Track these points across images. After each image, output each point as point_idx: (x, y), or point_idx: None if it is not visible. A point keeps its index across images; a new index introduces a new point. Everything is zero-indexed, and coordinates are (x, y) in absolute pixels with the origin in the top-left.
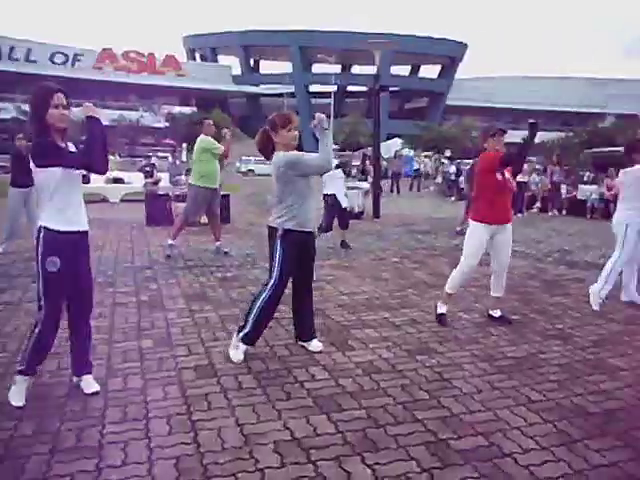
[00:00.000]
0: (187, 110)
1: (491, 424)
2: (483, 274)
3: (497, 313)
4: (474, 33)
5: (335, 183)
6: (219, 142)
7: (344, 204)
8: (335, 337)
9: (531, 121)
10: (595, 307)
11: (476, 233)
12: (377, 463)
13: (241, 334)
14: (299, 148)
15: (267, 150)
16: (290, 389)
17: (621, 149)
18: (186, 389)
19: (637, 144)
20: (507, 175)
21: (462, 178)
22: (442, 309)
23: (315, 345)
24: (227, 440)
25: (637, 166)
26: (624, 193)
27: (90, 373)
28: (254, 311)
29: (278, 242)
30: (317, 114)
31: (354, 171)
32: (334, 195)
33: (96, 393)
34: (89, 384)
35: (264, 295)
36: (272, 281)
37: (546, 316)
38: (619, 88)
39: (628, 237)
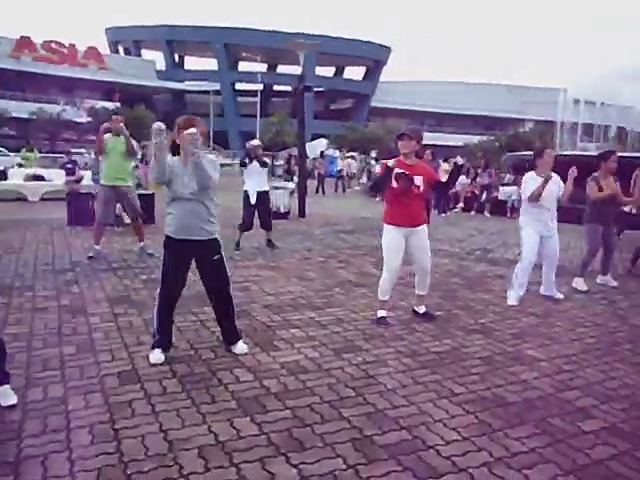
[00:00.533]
0: (110, 105)
1: (415, 418)
2: (407, 272)
3: (422, 309)
4: (400, 37)
5: (251, 180)
6: (137, 138)
7: (252, 200)
8: (260, 338)
9: (459, 162)
10: (512, 302)
11: (389, 235)
12: (303, 462)
13: (152, 340)
14: (225, 148)
15: (173, 152)
16: (214, 392)
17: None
18: (109, 396)
19: (540, 152)
20: (418, 182)
21: None
22: (381, 313)
23: (240, 348)
24: (151, 447)
25: (528, 173)
26: (523, 197)
27: (7, 384)
28: (154, 318)
29: (162, 248)
30: (154, 124)
31: (280, 171)
32: (246, 191)
33: (13, 406)
34: (6, 395)
35: (156, 303)
36: (158, 288)
37: (468, 311)
38: (535, 95)
39: (523, 238)
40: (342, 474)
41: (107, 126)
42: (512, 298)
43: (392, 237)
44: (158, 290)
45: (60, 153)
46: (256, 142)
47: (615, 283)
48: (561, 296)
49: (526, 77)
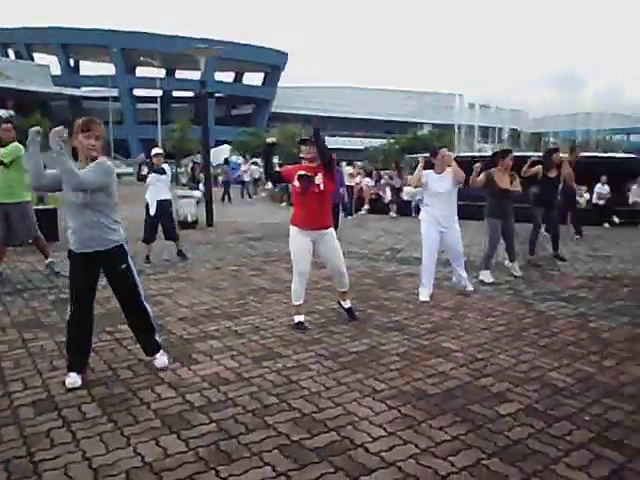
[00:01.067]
0: (4, 113)
1: (341, 418)
2: (321, 277)
3: (347, 304)
4: (299, 43)
5: (150, 190)
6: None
7: (152, 211)
8: (179, 352)
9: (315, 128)
10: (423, 298)
11: (296, 238)
12: (232, 475)
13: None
14: (125, 154)
15: (74, 157)
16: (137, 412)
17: None
18: (24, 428)
19: (434, 152)
20: (318, 181)
21: None
22: (298, 318)
23: (160, 361)
24: (76, 477)
25: (428, 171)
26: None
27: None
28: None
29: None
30: (53, 130)
31: (184, 179)
32: (147, 204)
33: None
34: None
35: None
36: (68, 306)
37: (383, 310)
38: (432, 100)
39: (422, 234)
40: None
41: None
42: (423, 294)
43: (299, 239)
44: (68, 308)
45: None
46: (155, 151)
47: (520, 273)
48: (471, 288)
49: (424, 83)
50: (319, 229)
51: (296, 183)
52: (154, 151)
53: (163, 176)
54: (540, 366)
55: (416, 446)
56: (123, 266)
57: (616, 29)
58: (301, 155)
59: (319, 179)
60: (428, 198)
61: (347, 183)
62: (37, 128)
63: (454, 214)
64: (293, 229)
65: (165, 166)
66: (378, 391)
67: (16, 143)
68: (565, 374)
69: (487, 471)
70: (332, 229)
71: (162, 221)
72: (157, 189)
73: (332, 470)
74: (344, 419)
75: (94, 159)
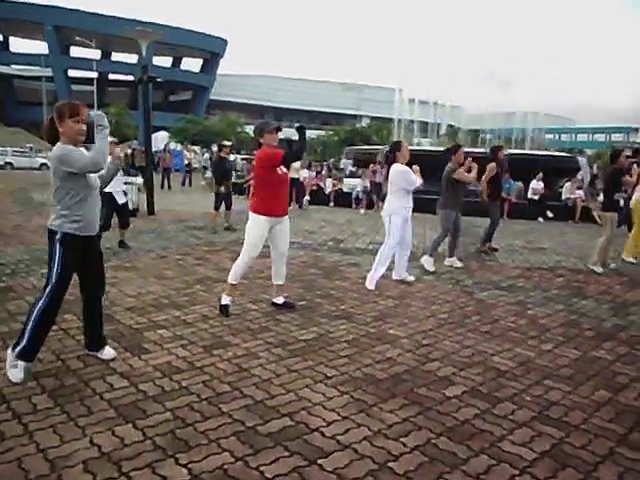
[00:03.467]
0: None
1: (294, 404)
2: (266, 266)
3: (280, 300)
4: (238, 31)
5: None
6: None
7: (120, 201)
8: (128, 342)
9: (297, 125)
10: (371, 287)
11: (258, 226)
12: (191, 462)
13: (17, 349)
14: (89, 142)
15: (53, 141)
16: (90, 403)
17: (380, 148)
18: None
19: (397, 144)
20: (284, 169)
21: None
22: (226, 300)
23: (107, 353)
24: (31, 469)
25: (400, 166)
26: (391, 188)
27: None
28: (31, 322)
29: (57, 246)
30: (93, 112)
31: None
32: (110, 193)
33: None
34: None
35: (41, 304)
36: (49, 287)
37: (329, 299)
38: (371, 93)
39: (393, 224)
40: (232, 467)
41: None
42: (373, 279)
43: (260, 227)
44: (49, 293)
45: None
46: (110, 139)
47: (460, 264)
48: (413, 278)
49: (363, 76)
50: (282, 215)
51: (279, 171)
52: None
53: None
54: (483, 351)
55: (369, 429)
56: (100, 249)
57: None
58: (273, 142)
59: (284, 167)
60: (402, 192)
61: (292, 175)
62: (100, 113)
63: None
64: (257, 217)
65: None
66: (329, 377)
67: None
68: (507, 358)
69: (437, 450)
70: (287, 217)
71: (118, 210)
72: (117, 179)
73: (288, 454)
74: (297, 405)
75: (77, 143)
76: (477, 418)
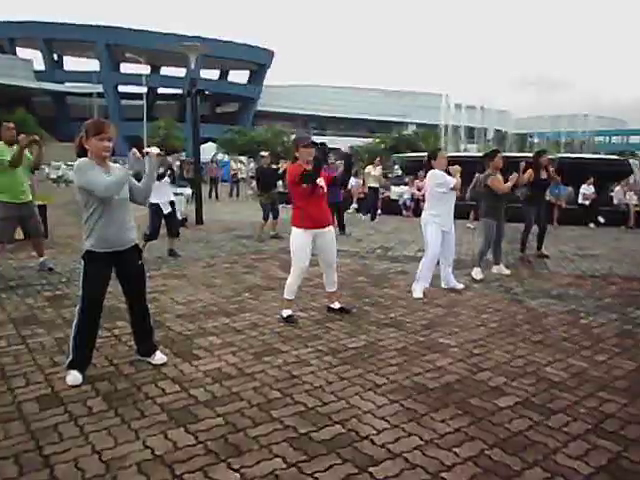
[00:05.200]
0: None
1: (345, 412)
2: (315, 274)
3: (336, 305)
4: (284, 42)
5: (158, 191)
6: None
7: (165, 210)
8: (179, 348)
9: (320, 142)
10: (418, 295)
11: (299, 238)
12: (243, 466)
13: (67, 361)
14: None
15: (80, 156)
16: (143, 406)
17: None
18: (30, 423)
19: (433, 153)
20: (320, 183)
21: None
22: (287, 312)
23: (159, 358)
24: (87, 469)
25: (431, 171)
26: (426, 196)
27: None
28: (72, 336)
29: (82, 262)
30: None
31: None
32: (157, 204)
33: None
34: None
35: (75, 320)
36: (79, 305)
37: (378, 307)
38: (417, 100)
39: (428, 234)
40: (284, 473)
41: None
42: (418, 291)
43: (302, 239)
44: (79, 307)
45: None
46: (156, 150)
47: (508, 271)
48: (462, 286)
49: (408, 83)
50: (322, 227)
51: (304, 186)
52: (153, 150)
53: (160, 181)
54: (535, 361)
55: (420, 438)
56: (140, 262)
57: (600, 35)
58: (308, 157)
59: (321, 181)
60: (436, 199)
61: (372, 185)
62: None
63: (452, 215)
64: (297, 230)
65: (161, 170)
66: (379, 385)
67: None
68: (559, 369)
69: (490, 461)
70: (332, 226)
71: (167, 219)
72: (163, 190)
73: (340, 461)
74: (348, 412)
75: (103, 160)
76: (530, 429)
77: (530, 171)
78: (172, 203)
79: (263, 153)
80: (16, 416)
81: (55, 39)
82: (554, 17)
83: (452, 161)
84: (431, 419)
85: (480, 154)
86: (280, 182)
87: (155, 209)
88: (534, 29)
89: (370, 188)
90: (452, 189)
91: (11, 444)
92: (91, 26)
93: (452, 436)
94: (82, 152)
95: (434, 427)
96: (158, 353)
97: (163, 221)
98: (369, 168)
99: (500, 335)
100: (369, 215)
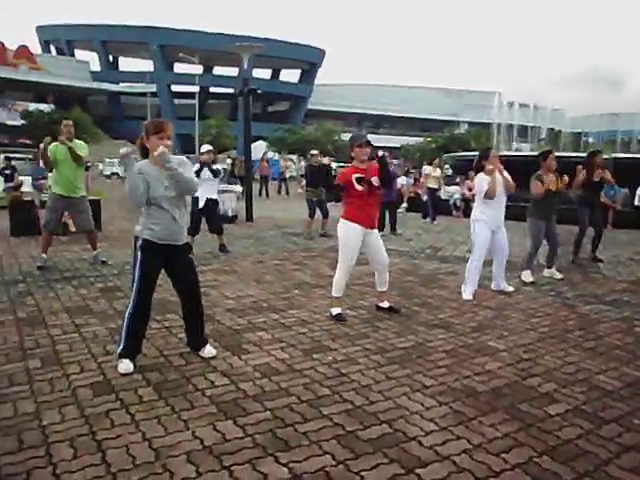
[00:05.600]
0: (45, 107)
1: (392, 412)
2: (363, 273)
3: (386, 304)
4: (335, 40)
5: (201, 187)
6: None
7: (200, 205)
8: (228, 341)
9: (380, 154)
10: (467, 297)
11: (349, 231)
12: (292, 461)
13: (118, 350)
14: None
15: (143, 156)
16: (192, 398)
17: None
18: (84, 408)
19: (484, 152)
20: (376, 183)
21: None
22: (336, 310)
23: (208, 351)
24: (138, 456)
25: (479, 175)
26: (476, 196)
27: None
28: (124, 326)
29: (137, 252)
30: (159, 149)
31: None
32: (197, 198)
33: None
34: None
35: (128, 309)
36: (132, 294)
37: (427, 308)
38: (470, 98)
39: (476, 234)
40: (333, 470)
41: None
42: (467, 293)
43: (352, 234)
44: (133, 297)
45: None
46: (205, 148)
47: (560, 275)
48: (512, 289)
49: (462, 81)
50: (371, 227)
51: (358, 187)
52: (204, 148)
53: (216, 178)
54: (586, 368)
55: (468, 442)
56: (189, 259)
57: None
58: (363, 157)
59: (375, 181)
60: (482, 199)
61: (431, 186)
62: (124, 150)
63: (503, 215)
64: (349, 224)
65: (219, 167)
66: (427, 387)
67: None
68: (612, 377)
69: (539, 469)
70: (376, 229)
71: (208, 217)
72: (209, 187)
73: (387, 461)
74: (395, 412)
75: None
76: (581, 438)
77: (584, 172)
78: (214, 201)
79: (313, 151)
80: (71, 401)
81: (111, 41)
82: (617, 7)
83: (504, 161)
84: (480, 423)
85: (533, 153)
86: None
87: (193, 203)
88: (594, 21)
89: (429, 189)
90: (487, 197)
91: (67, 428)
92: (145, 27)
93: (501, 441)
94: (144, 152)
95: (483, 431)
96: (208, 346)
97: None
98: (429, 169)
99: (550, 340)
100: (428, 219)
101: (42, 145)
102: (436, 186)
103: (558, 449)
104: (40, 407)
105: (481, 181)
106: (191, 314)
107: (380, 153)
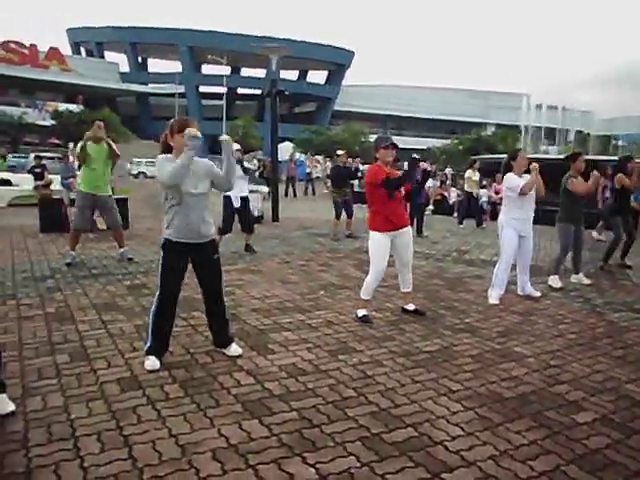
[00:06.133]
0: (74, 108)
1: (418, 415)
2: (389, 275)
3: (411, 307)
4: (363, 41)
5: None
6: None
7: (236, 204)
8: (254, 341)
9: (414, 156)
10: (493, 302)
11: (377, 242)
12: (319, 462)
13: (145, 346)
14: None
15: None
16: (218, 396)
17: (505, 157)
18: (111, 403)
19: (515, 154)
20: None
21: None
22: (362, 312)
23: (234, 350)
24: (164, 452)
25: (509, 174)
26: (504, 199)
27: (4, 392)
28: (150, 323)
29: (160, 251)
30: (187, 130)
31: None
32: (229, 197)
33: (12, 414)
34: (3, 403)
35: (152, 307)
36: (157, 293)
37: (453, 311)
38: (497, 100)
39: (503, 238)
40: (358, 472)
41: (89, 135)
42: (493, 297)
43: (380, 243)
44: (157, 294)
45: (21, 156)
46: (236, 146)
47: (588, 281)
48: (539, 294)
49: (489, 82)
50: (400, 228)
51: (384, 189)
52: (234, 147)
53: (246, 175)
54: (615, 377)
55: (495, 448)
56: (216, 256)
57: None
58: (388, 158)
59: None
60: (512, 203)
61: (471, 190)
62: (193, 131)
63: (531, 219)
64: (375, 234)
65: (250, 165)
66: (454, 391)
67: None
68: None
69: (566, 478)
70: (409, 227)
71: (241, 215)
72: (240, 185)
73: (412, 465)
74: (421, 416)
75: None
76: (609, 448)
77: (620, 176)
78: (246, 199)
79: (339, 152)
80: (99, 396)
81: (140, 42)
82: None
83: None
84: (506, 429)
85: (561, 156)
86: (356, 182)
87: (227, 202)
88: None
89: (468, 193)
90: (521, 193)
91: (94, 422)
92: (174, 29)
93: (527, 448)
94: (167, 149)
95: (509, 438)
96: (234, 345)
97: (237, 217)
98: (469, 172)
99: (578, 348)
100: (464, 221)
101: (81, 142)
102: (476, 190)
103: (586, 458)
104: (68, 401)
105: (513, 179)
106: (212, 311)
107: (414, 155)
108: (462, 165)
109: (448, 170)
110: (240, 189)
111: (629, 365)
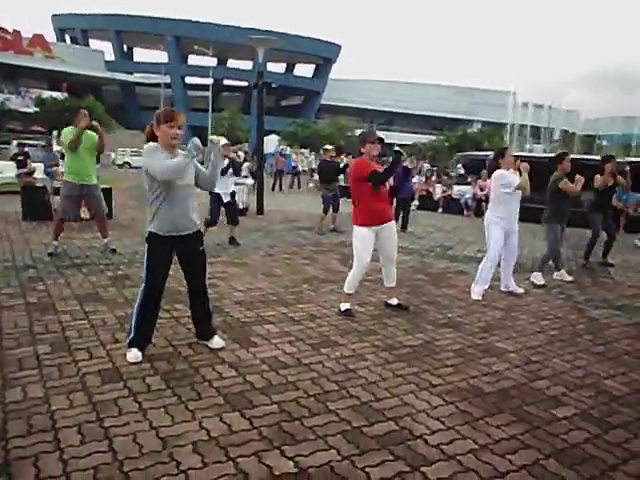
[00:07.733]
0: (58, 95)
1: (399, 409)
2: (373, 269)
3: (394, 301)
4: (350, 36)
5: (220, 182)
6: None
7: (225, 199)
8: (237, 334)
9: (397, 149)
10: (476, 297)
11: (362, 236)
12: (298, 455)
13: (128, 339)
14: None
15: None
16: (200, 388)
17: (490, 154)
18: (92, 395)
19: (501, 151)
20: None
21: None
22: (345, 306)
23: (217, 342)
24: (144, 445)
25: (497, 172)
26: (491, 196)
27: None
28: (134, 315)
29: (145, 244)
30: (192, 140)
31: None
32: (218, 193)
33: None
34: None
35: (138, 300)
36: (142, 285)
37: (436, 306)
38: (484, 97)
39: (491, 235)
40: (338, 465)
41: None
42: (476, 293)
43: (365, 237)
44: (142, 288)
45: (4, 143)
46: (223, 141)
47: (570, 278)
48: (522, 291)
49: (475, 80)
50: (385, 222)
51: (369, 183)
52: (222, 141)
53: (229, 170)
54: (595, 373)
55: (474, 442)
56: (201, 248)
57: None
58: (374, 153)
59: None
60: (500, 200)
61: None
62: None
63: (517, 216)
64: (359, 229)
65: (245, 165)
66: (435, 385)
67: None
68: (621, 383)
69: (545, 471)
70: (393, 222)
71: (227, 208)
72: (226, 181)
73: (392, 458)
74: (402, 410)
75: (173, 147)
76: (588, 443)
77: (598, 177)
78: (233, 194)
79: (327, 146)
80: (80, 387)
81: (126, 31)
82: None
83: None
84: (486, 424)
85: (546, 155)
86: (341, 176)
87: (215, 197)
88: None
89: None
90: (517, 189)
91: (75, 414)
92: (161, 19)
93: (507, 443)
94: (152, 139)
95: (489, 432)
96: (216, 337)
97: (223, 209)
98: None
99: (559, 344)
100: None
101: (77, 130)
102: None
103: (564, 452)
104: (49, 392)
105: (508, 175)
106: (196, 304)
107: (397, 148)
108: (447, 161)
109: (426, 165)
110: (227, 185)
111: (609, 361)
